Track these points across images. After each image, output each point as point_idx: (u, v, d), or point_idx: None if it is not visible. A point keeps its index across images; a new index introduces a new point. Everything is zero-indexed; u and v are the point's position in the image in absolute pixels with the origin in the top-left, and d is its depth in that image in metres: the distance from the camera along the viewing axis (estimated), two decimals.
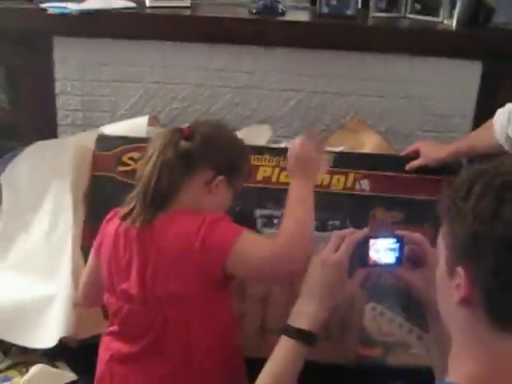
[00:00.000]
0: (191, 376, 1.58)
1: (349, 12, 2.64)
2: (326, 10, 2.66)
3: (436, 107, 2.70)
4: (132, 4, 2.70)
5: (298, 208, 1.50)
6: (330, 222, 2.19)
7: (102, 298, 1.67)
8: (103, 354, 1.67)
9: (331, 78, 2.70)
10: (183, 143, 1.53)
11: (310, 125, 2.69)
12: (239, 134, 1.90)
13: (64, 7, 2.59)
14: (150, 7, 2.68)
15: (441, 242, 1.08)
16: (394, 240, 1.44)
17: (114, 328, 1.64)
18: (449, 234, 1.05)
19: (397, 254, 1.45)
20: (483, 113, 2.57)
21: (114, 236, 1.57)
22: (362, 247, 1.41)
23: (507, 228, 0.97)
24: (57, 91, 2.76)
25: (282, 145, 2.29)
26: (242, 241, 1.50)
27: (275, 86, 2.72)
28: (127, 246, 1.55)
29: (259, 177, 2.15)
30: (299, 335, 1.32)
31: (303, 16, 2.79)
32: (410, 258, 1.48)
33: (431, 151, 1.99)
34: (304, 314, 1.35)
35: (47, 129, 2.75)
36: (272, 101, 2.72)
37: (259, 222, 2.10)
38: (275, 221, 2.09)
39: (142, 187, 1.52)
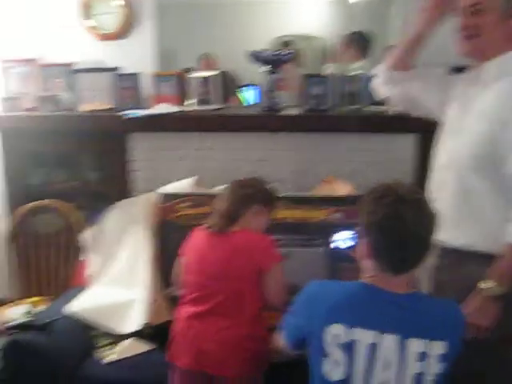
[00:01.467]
0: (240, 331, 1.97)
1: (323, 107, 2.96)
2: (307, 106, 2.98)
3: (385, 167, 2.92)
4: (180, 109, 2.97)
5: None
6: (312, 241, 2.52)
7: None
8: (182, 316, 2.05)
9: (316, 151, 2.97)
10: (247, 189, 2.06)
11: (303, 183, 2.95)
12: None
13: (135, 113, 2.92)
14: (194, 110, 2.99)
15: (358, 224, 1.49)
16: (350, 232, 1.93)
17: (191, 297, 2.03)
18: (359, 220, 1.46)
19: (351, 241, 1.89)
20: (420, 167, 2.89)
21: (199, 239, 2.05)
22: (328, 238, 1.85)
23: (379, 219, 1.38)
24: (132, 168, 3.07)
25: None
26: (278, 266, 1.99)
27: (279, 158, 3.00)
28: (209, 243, 2.02)
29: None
30: None
31: (294, 111, 2.99)
32: None
33: None
34: None
35: (126, 194, 3.02)
36: (277, 168, 2.99)
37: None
38: (279, 242, 2.35)
39: (223, 212, 2.02)
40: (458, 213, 1.81)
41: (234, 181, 2.13)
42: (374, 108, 3.01)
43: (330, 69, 3.84)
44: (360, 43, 4.56)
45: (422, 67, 2.08)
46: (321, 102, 3.02)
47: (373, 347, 1.38)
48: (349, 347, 1.39)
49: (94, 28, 3.14)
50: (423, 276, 2.31)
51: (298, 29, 6.58)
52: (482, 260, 1.72)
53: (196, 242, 2.07)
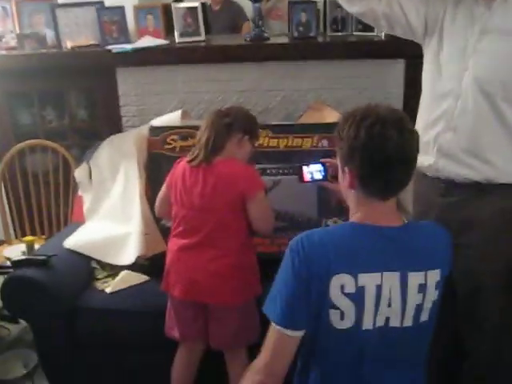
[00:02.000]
0: (229, 261, 1.99)
1: (312, 34, 2.94)
2: (296, 34, 2.96)
3: (373, 94, 2.92)
4: (167, 42, 2.99)
5: None
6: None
7: (170, 212, 2.10)
8: (172, 248, 2.07)
9: (304, 79, 2.96)
10: (224, 119, 2.02)
11: (291, 112, 2.97)
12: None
13: (122, 47, 2.91)
14: (179, 43, 2.98)
15: (337, 155, 1.43)
16: (320, 165, 1.84)
17: (180, 230, 2.05)
18: (338, 150, 1.41)
19: (323, 174, 1.83)
20: (409, 94, 2.90)
21: (183, 172, 2.04)
22: (300, 172, 1.79)
23: (362, 142, 1.32)
24: (120, 104, 3.06)
25: None
26: (262, 194, 2.00)
27: (266, 88, 2.99)
28: (192, 175, 2.01)
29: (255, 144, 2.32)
30: None
31: (282, 39, 3.03)
32: (332, 176, 1.82)
33: None
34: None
35: (116, 130, 3.00)
36: (265, 98, 3.00)
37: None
38: (267, 171, 2.44)
39: (204, 143, 2.00)
40: (482, 144, 1.74)
41: (212, 111, 2.09)
42: (361, 34, 2.98)
43: None
44: None
45: None
46: (307, 29, 2.98)
47: (378, 288, 1.33)
48: (357, 295, 1.33)
49: None
50: (409, 200, 2.37)
51: None
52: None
53: (180, 174, 2.06)
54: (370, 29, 2.93)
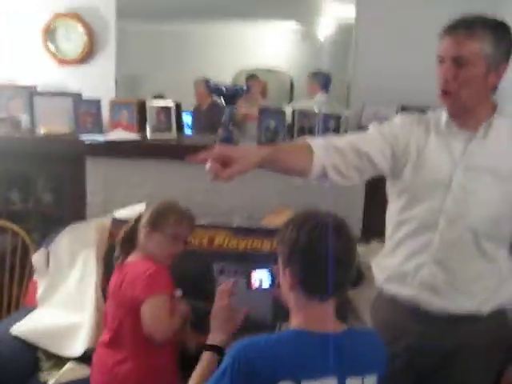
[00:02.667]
0: (128, 364, 1.96)
1: (279, 140, 3.02)
2: (264, 139, 3.07)
3: (336, 200, 2.88)
4: (138, 136, 3.05)
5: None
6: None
7: None
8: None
9: (270, 181, 2.87)
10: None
11: (255, 214, 2.94)
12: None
13: (94, 139, 2.99)
14: (151, 139, 3.04)
15: (279, 259, 1.47)
16: (266, 270, 1.68)
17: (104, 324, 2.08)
18: (279, 253, 1.46)
19: (270, 281, 1.67)
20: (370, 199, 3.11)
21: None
22: (248, 278, 1.66)
23: (302, 245, 1.38)
24: (87, 192, 3.07)
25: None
26: (156, 299, 1.91)
27: (231, 189, 2.80)
28: (114, 274, 2.06)
29: (216, 243, 2.59)
30: (212, 348, 1.60)
31: (250, 143, 2.98)
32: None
33: (246, 155, 1.53)
34: (213, 338, 1.62)
35: (80, 217, 2.99)
36: (230, 199, 2.99)
37: (215, 272, 2.48)
38: (225, 271, 2.45)
39: (120, 240, 2.09)
40: (465, 278, 1.75)
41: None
42: None
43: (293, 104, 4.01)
44: (322, 80, 4.87)
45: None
46: (275, 135, 3.10)
47: None
48: None
49: (55, 53, 3.19)
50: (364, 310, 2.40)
51: (265, 62, 6.77)
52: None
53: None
54: None
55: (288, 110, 3.28)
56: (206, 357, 1.59)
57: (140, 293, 1.93)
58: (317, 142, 1.71)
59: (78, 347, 2.44)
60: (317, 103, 4.61)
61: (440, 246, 1.73)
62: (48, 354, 2.48)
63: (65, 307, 2.62)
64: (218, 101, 4.57)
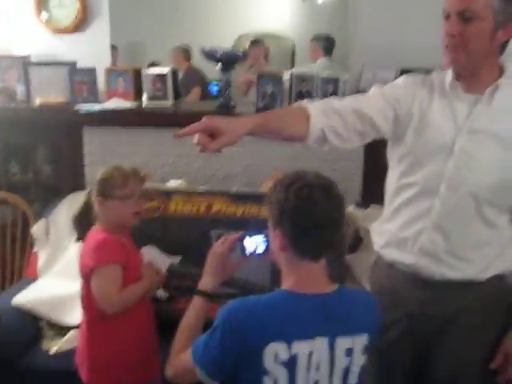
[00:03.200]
0: (85, 336, 2.00)
1: (276, 106, 3.00)
2: (261, 104, 3.04)
3: (340, 165, 2.95)
4: (134, 104, 3.06)
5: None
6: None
7: None
8: None
9: (267, 148, 2.96)
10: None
11: (255, 179, 2.97)
12: None
13: (90, 107, 2.99)
14: (147, 106, 3.05)
15: (268, 220, 1.46)
16: (262, 236, 1.65)
17: None
18: (269, 215, 1.45)
19: (264, 247, 1.65)
20: (368, 169, 3.02)
21: None
22: (241, 243, 1.65)
23: (291, 205, 1.38)
24: (85, 162, 3.10)
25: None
26: (103, 269, 1.88)
27: (230, 154, 2.61)
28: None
29: (213, 209, 2.55)
30: (201, 293, 1.61)
31: (248, 108, 3.07)
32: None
33: (234, 126, 1.50)
34: (204, 283, 1.63)
35: (79, 187, 3.01)
36: (228, 165, 3.05)
37: (213, 238, 2.30)
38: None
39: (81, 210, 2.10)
40: (464, 244, 1.72)
41: None
42: None
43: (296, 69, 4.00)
44: (324, 44, 4.87)
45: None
46: (273, 100, 3.06)
47: (310, 354, 1.38)
48: (290, 363, 1.37)
49: (49, 21, 3.15)
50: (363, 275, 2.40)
51: (266, 27, 6.71)
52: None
53: None
54: None
55: (287, 74, 3.23)
56: (195, 301, 1.61)
57: (88, 264, 1.92)
58: (314, 106, 1.67)
59: (79, 315, 2.41)
60: (319, 68, 4.58)
61: (440, 211, 1.69)
62: (50, 323, 2.50)
63: (65, 276, 2.63)
64: (194, 65, 4.64)
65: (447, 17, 1.60)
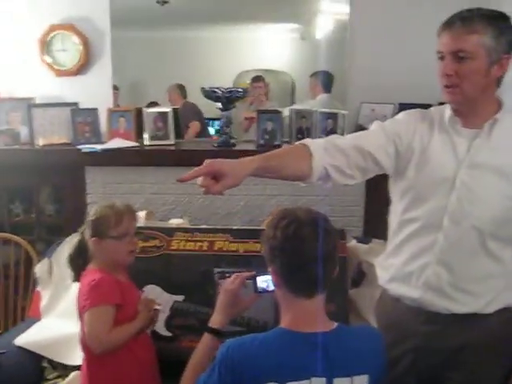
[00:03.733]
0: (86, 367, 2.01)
1: (276, 142, 3.08)
2: (262, 141, 3.12)
3: (339, 200, 2.97)
4: (136, 144, 3.11)
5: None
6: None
7: None
8: None
9: (268, 185, 3.05)
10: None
11: (255, 216, 3.05)
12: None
13: (92, 147, 3.03)
14: (148, 145, 3.11)
15: None
16: (269, 275, 1.58)
17: None
18: (263, 252, 1.47)
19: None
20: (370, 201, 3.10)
21: None
22: (254, 281, 1.67)
23: (279, 242, 1.39)
24: (88, 202, 3.12)
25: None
26: (93, 311, 1.88)
27: (231, 192, 2.89)
28: None
29: (216, 247, 2.53)
30: (212, 331, 1.63)
31: (248, 146, 3.18)
32: None
33: (236, 169, 1.52)
34: (214, 320, 1.65)
35: (81, 226, 2.80)
36: (229, 202, 3.09)
37: (216, 276, 2.47)
38: (226, 275, 2.24)
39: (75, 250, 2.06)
40: (468, 278, 1.71)
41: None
42: None
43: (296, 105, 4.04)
44: (323, 80, 4.81)
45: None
46: (273, 137, 3.13)
47: None
48: None
49: (52, 64, 3.22)
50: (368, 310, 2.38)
51: (266, 64, 6.78)
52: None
53: None
54: None
55: (287, 111, 3.28)
56: (204, 339, 1.62)
57: (83, 305, 1.92)
58: (316, 144, 1.68)
59: (81, 356, 2.43)
60: (319, 104, 4.60)
61: (444, 245, 1.70)
62: (53, 364, 2.48)
63: (68, 316, 2.55)
64: (189, 101, 4.69)
65: (442, 58, 1.64)
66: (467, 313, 1.71)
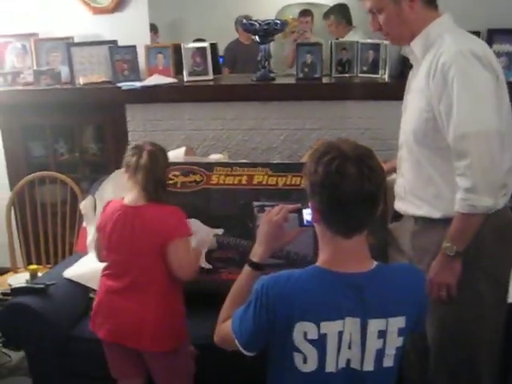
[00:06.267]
0: (155, 306, 2.00)
1: (316, 75, 3.04)
2: (301, 75, 3.07)
3: (376, 134, 2.98)
4: (175, 80, 3.13)
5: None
6: None
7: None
8: (101, 289, 2.11)
9: (307, 119, 3.04)
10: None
11: (295, 151, 3.05)
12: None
13: (132, 85, 3.07)
14: (187, 81, 3.12)
15: None
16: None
17: (108, 272, 2.08)
18: (304, 186, 1.42)
19: None
20: None
21: (112, 214, 2.05)
22: (300, 214, 1.61)
23: (320, 178, 1.33)
24: (129, 139, 3.17)
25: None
26: (182, 241, 1.98)
27: (270, 127, 3.06)
28: (121, 218, 2.02)
29: (255, 181, 2.53)
30: (252, 264, 1.58)
31: (286, 79, 3.17)
32: None
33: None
34: (256, 253, 1.60)
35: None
36: (269, 137, 3.09)
37: (255, 210, 2.49)
38: (266, 208, 2.19)
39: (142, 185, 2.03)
40: (415, 185, 1.91)
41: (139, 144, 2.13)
42: (365, 76, 3.08)
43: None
44: (340, 14, 4.58)
45: None
46: (312, 69, 3.07)
47: (340, 334, 1.35)
48: (319, 341, 1.35)
49: (88, 2, 3.21)
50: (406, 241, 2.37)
51: None
52: (446, 225, 1.77)
53: (109, 216, 2.07)
54: (375, 71, 3.05)
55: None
56: (245, 271, 1.60)
57: (167, 234, 1.98)
58: None
59: None
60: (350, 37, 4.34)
61: (399, 159, 2.00)
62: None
63: None
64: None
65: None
66: (418, 215, 1.90)
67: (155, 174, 2.03)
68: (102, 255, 2.16)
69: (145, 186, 2.02)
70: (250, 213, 2.52)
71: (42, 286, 2.39)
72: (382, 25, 1.84)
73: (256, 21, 2.97)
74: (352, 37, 4.03)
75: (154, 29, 3.55)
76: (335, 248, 1.39)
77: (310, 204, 1.41)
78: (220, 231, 2.54)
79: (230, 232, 2.53)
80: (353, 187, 1.30)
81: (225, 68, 5.05)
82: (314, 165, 1.35)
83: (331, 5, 5.66)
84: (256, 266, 1.57)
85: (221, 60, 4.83)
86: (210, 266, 2.52)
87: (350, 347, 1.36)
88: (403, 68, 2.85)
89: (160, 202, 2.04)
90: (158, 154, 2.05)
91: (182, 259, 2.00)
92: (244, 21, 3.00)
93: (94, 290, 2.56)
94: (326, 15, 4.62)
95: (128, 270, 2.02)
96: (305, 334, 1.34)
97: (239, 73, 4.32)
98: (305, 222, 1.61)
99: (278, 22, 2.99)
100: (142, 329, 1.99)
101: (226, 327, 1.49)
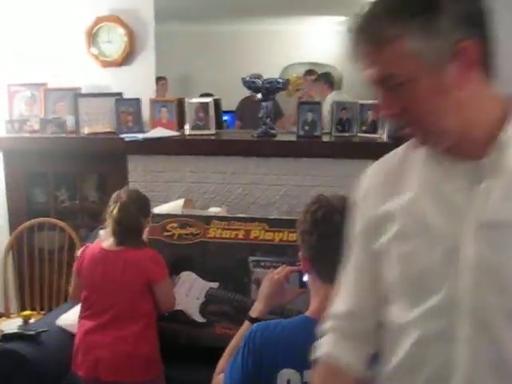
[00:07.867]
0: (134, 339, 2.17)
1: (316, 133, 3.08)
2: (302, 132, 3.10)
3: None
4: (177, 133, 3.17)
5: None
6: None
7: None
8: (80, 330, 2.24)
9: (307, 176, 3.05)
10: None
11: (293, 207, 3.02)
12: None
13: (134, 136, 3.11)
14: (189, 135, 3.18)
15: None
16: None
17: (87, 313, 2.23)
18: (297, 238, 1.48)
19: None
20: None
21: (92, 256, 2.26)
22: (301, 275, 1.68)
23: (307, 226, 1.40)
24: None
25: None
26: (167, 280, 2.30)
27: (269, 182, 3.07)
28: (101, 260, 2.24)
29: (251, 236, 2.55)
30: (251, 320, 1.64)
31: (287, 137, 3.20)
32: None
33: None
34: (256, 309, 1.67)
35: None
36: (268, 192, 3.09)
37: (251, 265, 2.50)
38: (261, 263, 2.48)
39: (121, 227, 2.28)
40: None
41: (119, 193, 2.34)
42: (365, 135, 3.12)
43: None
44: (326, 81, 5.37)
45: None
46: (313, 127, 3.13)
47: None
48: None
49: (98, 55, 3.32)
50: None
51: (312, 57, 6.81)
52: None
53: (89, 258, 2.27)
54: (374, 131, 3.09)
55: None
56: (244, 327, 1.66)
57: (155, 276, 2.25)
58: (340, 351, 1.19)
59: None
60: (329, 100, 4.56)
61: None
62: None
63: None
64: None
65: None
66: None
67: (125, 225, 2.24)
68: (75, 294, 2.36)
69: (117, 234, 2.24)
70: (245, 267, 2.52)
71: (33, 332, 2.39)
72: (407, 106, 0.98)
73: (258, 78, 3.05)
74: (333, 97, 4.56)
75: (163, 79, 3.62)
76: (324, 296, 1.40)
77: (300, 255, 1.46)
78: (215, 285, 2.54)
79: (225, 286, 2.53)
80: (338, 234, 1.28)
81: (237, 121, 5.79)
82: (303, 214, 1.44)
83: (332, 64, 5.95)
84: (255, 322, 1.61)
85: (229, 116, 5.14)
86: (204, 320, 2.51)
87: None
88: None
89: (135, 247, 2.25)
90: (129, 206, 2.24)
91: (166, 296, 2.30)
92: (247, 78, 3.07)
93: None
94: (314, 80, 5.51)
95: (109, 308, 2.19)
96: (288, 381, 1.37)
97: (248, 126, 4.41)
98: (305, 283, 1.63)
99: (281, 80, 3.08)
100: (119, 360, 2.12)
101: (220, 378, 1.52)
